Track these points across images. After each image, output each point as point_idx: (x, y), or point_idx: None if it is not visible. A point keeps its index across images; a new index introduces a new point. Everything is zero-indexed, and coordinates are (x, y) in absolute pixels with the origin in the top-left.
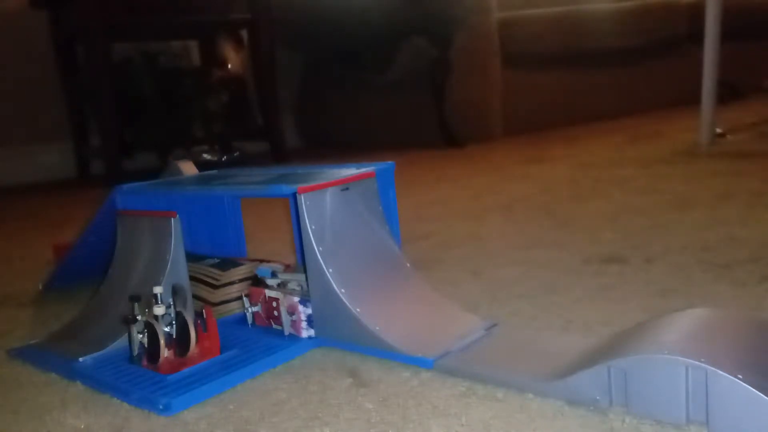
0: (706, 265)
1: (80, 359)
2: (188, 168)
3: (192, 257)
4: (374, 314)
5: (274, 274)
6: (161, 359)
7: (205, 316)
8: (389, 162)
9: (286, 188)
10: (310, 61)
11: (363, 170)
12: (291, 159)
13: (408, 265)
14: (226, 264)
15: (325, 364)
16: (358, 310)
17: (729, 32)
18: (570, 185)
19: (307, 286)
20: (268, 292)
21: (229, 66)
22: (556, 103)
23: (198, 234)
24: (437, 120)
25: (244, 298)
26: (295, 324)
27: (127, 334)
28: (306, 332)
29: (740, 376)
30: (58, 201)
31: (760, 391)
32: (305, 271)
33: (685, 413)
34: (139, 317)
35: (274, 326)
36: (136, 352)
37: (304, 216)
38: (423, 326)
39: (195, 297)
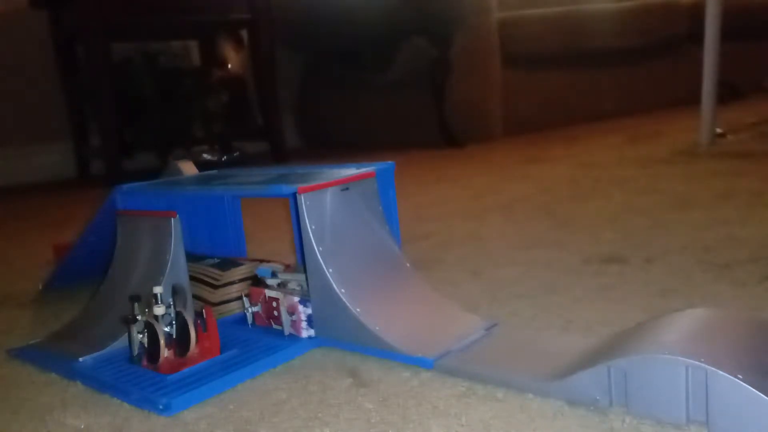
0: (706, 265)
1: (80, 359)
2: (188, 168)
3: (192, 257)
4: (374, 314)
5: (274, 274)
6: (161, 359)
7: (205, 316)
8: (389, 162)
9: (286, 188)
10: (310, 61)
11: (363, 170)
12: (291, 159)
13: (408, 265)
14: (226, 264)
15: (325, 364)
16: (358, 310)
17: (729, 32)
18: (570, 185)
19: (307, 286)
20: (268, 292)
21: (229, 66)
22: (556, 103)
23: (198, 234)
24: (437, 120)
25: (244, 298)
26: (295, 324)
27: (127, 334)
28: (306, 332)
29: (740, 376)
30: (58, 201)
31: (760, 391)
32: (305, 271)
33: (685, 413)
34: (139, 317)
35: (274, 326)
36: (136, 352)
37: (304, 216)
38: (423, 326)
39: (195, 297)
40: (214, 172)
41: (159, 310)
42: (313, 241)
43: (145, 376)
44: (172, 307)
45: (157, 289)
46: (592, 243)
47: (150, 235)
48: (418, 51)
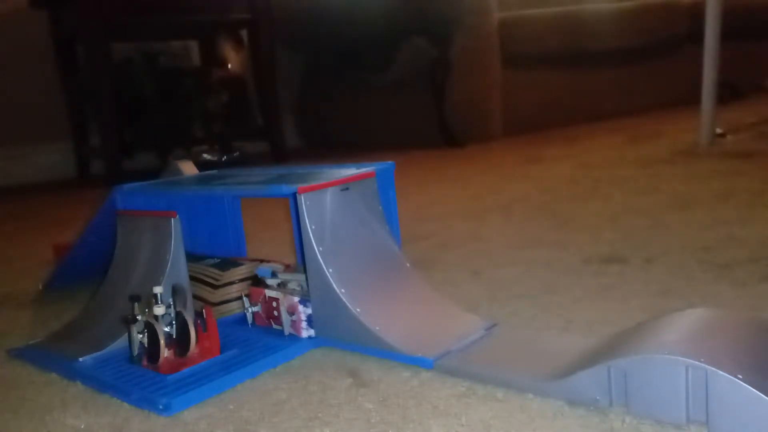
0: (706, 265)
1: (80, 359)
2: (188, 168)
3: (192, 257)
4: (374, 314)
5: (274, 274)
6: (161, 359)
7: (205, 316)
8: (389, 162)
9: (286, 188)
10: (310, 61)
11: (363, 170)
12: (291, 159)
13: (408, 265)
14: (226, 264)
15: (325, 364)
16: (358, 310)
17: (729, 32)
18: (570, 185)
19: (307, 286)
20: (268, 292)
21: (229, 66)
22: (556, 103)
23: (198, 234)
24: (437, 120)
25: (244, 298)
26: (295, 324)
27: (127, 334)
28: (306, 332)
29: (740, 376)
30: (58, 201)
31: (760, 391)
32: (305, 271)
33: (685, 413)
34: (139, 317)
35: (274, 326)
36: (136, 352)
37: (304, 216)
38: (423, 326)
39: (195, 297)
40: (214, 172)
41: (159, 310)
42: (313, 241)
43: (145, 376)
44: (172, 307)
45: (157, 289)
46: (592, 243)
47: (150, 235)
48: (418, 51)
